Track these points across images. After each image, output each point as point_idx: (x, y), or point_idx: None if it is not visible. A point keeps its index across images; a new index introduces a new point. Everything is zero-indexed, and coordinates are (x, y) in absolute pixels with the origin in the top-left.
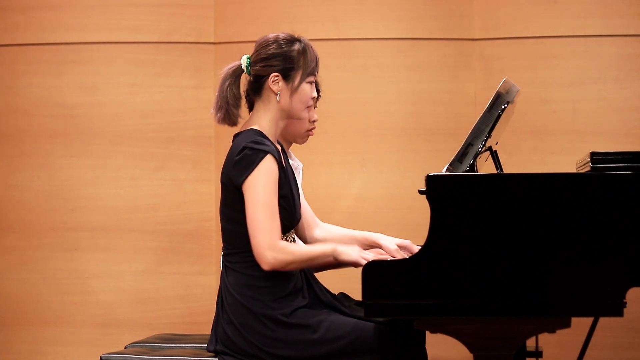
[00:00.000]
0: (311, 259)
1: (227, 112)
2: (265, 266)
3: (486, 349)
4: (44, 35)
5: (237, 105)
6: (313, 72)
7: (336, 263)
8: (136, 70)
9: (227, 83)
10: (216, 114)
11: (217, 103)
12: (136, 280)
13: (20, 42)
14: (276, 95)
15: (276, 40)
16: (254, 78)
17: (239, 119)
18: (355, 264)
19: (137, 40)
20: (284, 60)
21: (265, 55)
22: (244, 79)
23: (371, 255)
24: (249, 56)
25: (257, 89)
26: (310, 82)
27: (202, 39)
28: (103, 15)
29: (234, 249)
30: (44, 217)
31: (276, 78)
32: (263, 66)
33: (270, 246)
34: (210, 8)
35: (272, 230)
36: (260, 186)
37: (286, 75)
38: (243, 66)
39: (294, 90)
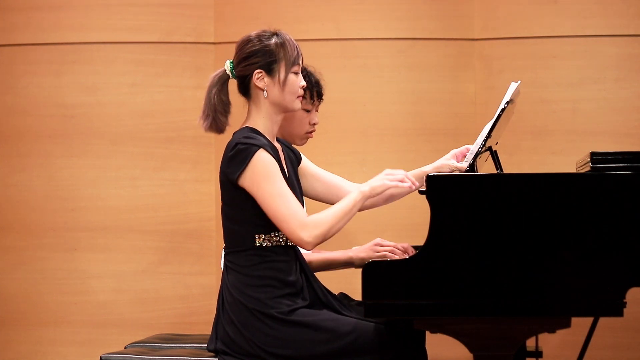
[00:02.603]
0: (345, 213)
1: (214, 120)
2: (308, 247)
3: (486, 349)
4: (44, 35)
5: (226, 112)
6: (296, 61)
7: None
8: (136, 70)
9: (213, 91)
10: (203, 122)
11: (204, 111)
12: (136, 280)
13: (20, 42)
14: (263, 91)
15: (253, 38)
16: (240, 80)
17: (227, 127)
18: (387, 189)
19: (137, 40)
20: (264, 55)
21: (245, 55)
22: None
23: (401, 174)
24: (231, 60)
25: (244, 89)
26: (296, 73)
27: (202, 39)
28: (103, 15)
29: (234, 248)
30: (43, 217)
31: (260, 74)
32: (245, 65)
33: (300, 228)
34: (210, 8)
35: (293, 214)
36: (262, 180)
37: (269, 70)
38: (227, 71)
39: (282, 84)
